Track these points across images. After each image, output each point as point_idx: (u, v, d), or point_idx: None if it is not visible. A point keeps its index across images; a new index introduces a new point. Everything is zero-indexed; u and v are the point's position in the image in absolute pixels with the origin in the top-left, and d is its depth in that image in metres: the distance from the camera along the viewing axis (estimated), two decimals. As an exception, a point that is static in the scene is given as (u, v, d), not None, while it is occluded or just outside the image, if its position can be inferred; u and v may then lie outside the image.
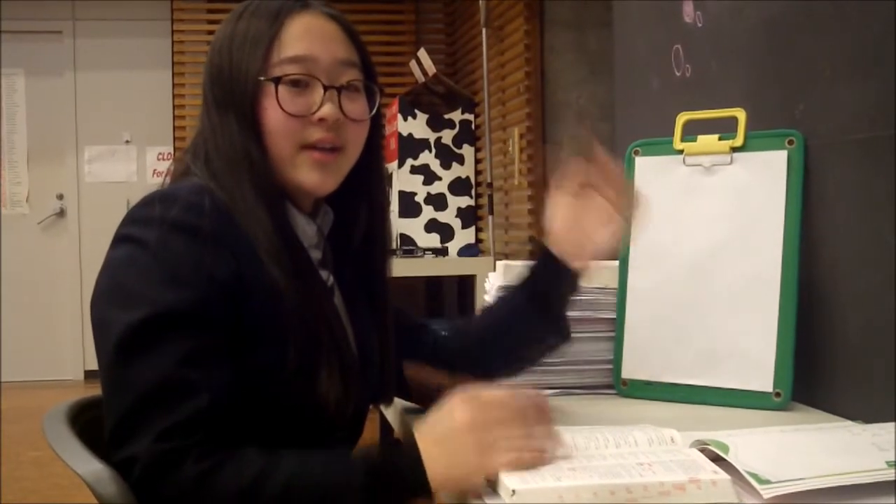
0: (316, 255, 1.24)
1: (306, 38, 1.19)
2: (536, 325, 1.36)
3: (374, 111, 1.26)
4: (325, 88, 1.19)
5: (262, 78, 1.16)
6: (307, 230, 1.23)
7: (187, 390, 1.02)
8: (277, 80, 1.16)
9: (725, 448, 0.96)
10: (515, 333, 1.37)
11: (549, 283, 1.35)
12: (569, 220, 1.33)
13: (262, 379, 1.10)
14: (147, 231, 1.09)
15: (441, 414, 1.05)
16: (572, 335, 1.47)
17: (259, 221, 1.13)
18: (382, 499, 1.00)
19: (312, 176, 1.19)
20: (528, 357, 1.42)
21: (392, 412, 1.47)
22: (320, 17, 1.21)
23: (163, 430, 1.00)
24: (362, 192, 1.28)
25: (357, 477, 1.00)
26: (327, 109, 1.18)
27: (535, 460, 0.98)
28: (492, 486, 0.97)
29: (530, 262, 1.38)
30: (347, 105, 1.20)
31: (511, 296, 1.38)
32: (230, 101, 1.18)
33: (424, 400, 1.39)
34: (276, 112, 1.16)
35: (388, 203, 1.36)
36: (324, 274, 1.24)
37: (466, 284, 5.30)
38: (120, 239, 1.12)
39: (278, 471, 1.00)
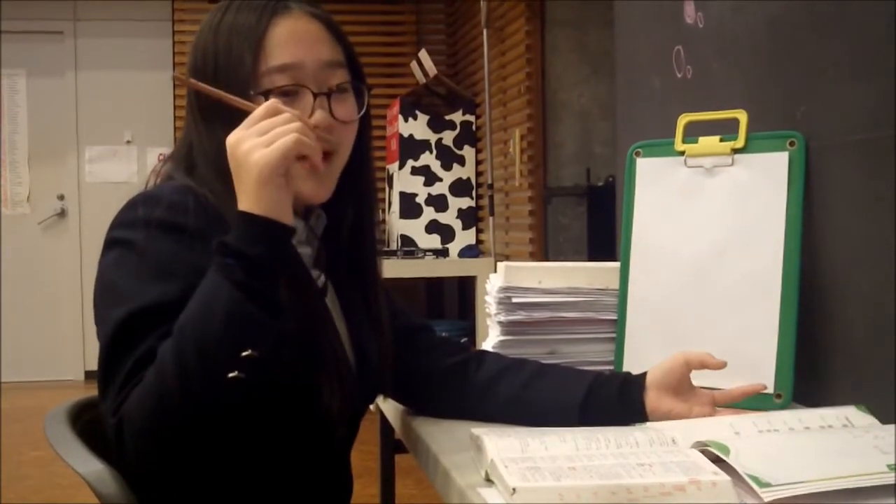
0: (305, 251, 1.24)
1: (291, 43, 1.18)
2: (563, 421, 1.21)
3: (364, 110, 1.25)
4: (315, 95, 1.18)
5: (251, 92, 1.16)
6: (301, 226, 1.23)
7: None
8: (267, 94, 1.15)
9: (726, 450, 0.96)
10: (534, 415, 1.26)
11: (613, 411, 1.23)
12: (675, 383, 1.24)
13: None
14: (133, 232, 1.11)
15: (232, 160, 1.07)
16: (574, 337, 1.48)
17: None
18: (244, 262, 1.02)
19: (308, 185, 1.19)
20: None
21: (392, 412, 1.47)
22: (303, 17, 1.20)
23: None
24: (352, 191, 1.28)
25: (213, 273, 1.02)
26: (318, 116, 1.18)
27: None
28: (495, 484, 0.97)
29: (605, 379, 1.28)
30: (337, 108, 1.20)
31: (560, 388, 1.28)
32: (217, 111, 1.17)
33: (418, 404, 1.39)
34: None
35: (377, 200, 1.36)
36: (315, 273, 1.25)
37: (467, 285, 5.31)
38: (108, 244, 1.14)
39: (164, 348, 1.02)
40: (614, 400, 1.24)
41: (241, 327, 1.01)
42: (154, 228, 1.10)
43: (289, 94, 1.17)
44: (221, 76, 1.17)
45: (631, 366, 1.48)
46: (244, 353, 1.00)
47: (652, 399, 1.23)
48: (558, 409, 1.25)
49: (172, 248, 1.09)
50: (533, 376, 1.31)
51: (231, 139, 1.07)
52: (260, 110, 1.08)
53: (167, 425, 1.02)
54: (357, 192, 1.29)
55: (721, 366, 1.21)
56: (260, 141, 1.05)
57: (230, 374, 0.99)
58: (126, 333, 1.06)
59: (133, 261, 1.10)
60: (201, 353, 1.00)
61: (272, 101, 1.09)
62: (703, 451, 0.99)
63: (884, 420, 1.16)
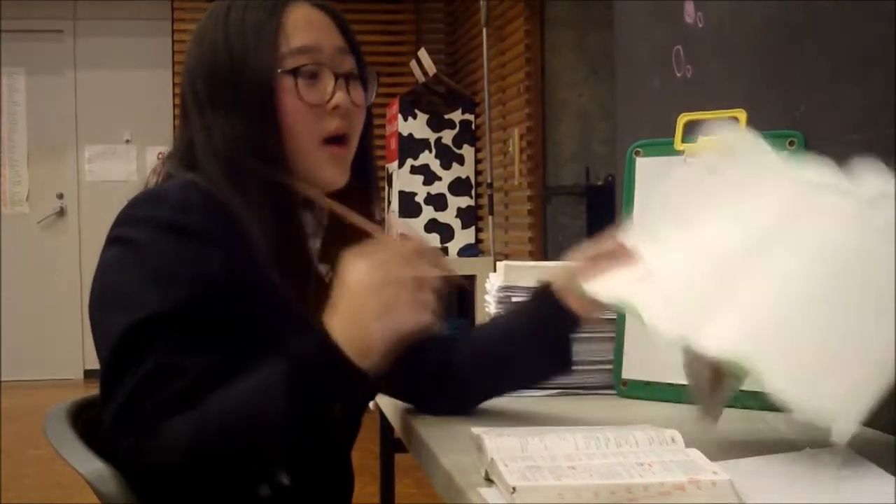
0: (314, 244, 1.24)
1: (308, 27, 1.19)
2: (538, 356, 1.31)
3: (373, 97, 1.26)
4: (336, 76, 1.19)
5: (279, 70, 1.16)
6: (307, 219, 1.23)
7: (172, 376, 1.04)
8: (296, 72, 1.16)
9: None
10: (514, 363, 1.32)
11: (552, 320, 1.28)
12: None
13: None
14: (136, 231, 1.10)
15: (341, 289, 1.05)
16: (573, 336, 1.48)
17: (259, 222, 1.12)
18: (310, 389, 1.01)
19: (330, 171, 1.19)
20: (523, 384, 1.41)
21: (392, 411, 1.47)
22: (313, 8, 1.21)
23: (143, 420, 1.02)
24: (359, 181, 1.28)
25: (280, 378, 1.01)
26: (340, 97, 1.19)
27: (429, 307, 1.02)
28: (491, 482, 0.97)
29: (534, 295, 1.32)
30: (352, 92, 1.21)
31: (512, 324, 1.34)
32: (233, 98, 1.16)
33: (418, 401, 1.40)
34: (294, 104, 1.16)
35: (379, 192, 1.36)
36: (324, 269, 1.24)
37: (467, 284, 5.31)
38: (110, 241, 1.13)
39: (211, 413, 1.02)
40: (543, 321, 1.28)
41: (285, 448, 1.03)
42: (157, 228, 1.09)
43: (312, 76, 1.17)
44: (237, 64, 1.16)
45: (630, 365, 1.49)
46: (278, 470, 1.03)
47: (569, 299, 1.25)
48: (515, 353, 1.30)
49: (176, 250, 1.07)
50: (486, 338, 1.36)
51: (357, 271, 1.04)
52: (398, 250, 1.05)
53: (200, 475, 1.03)
54: (364, 182, 1.29)
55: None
56: (391, 305, 1.02)
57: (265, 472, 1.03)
58: (129, 344, 1.04)
59: (135, 263, 1.08)
60: (241, 448, 1.02)
61: (413, 242, 1.07)
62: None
63: (883, 422, 1.16)
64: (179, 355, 1.04)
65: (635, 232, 1.19)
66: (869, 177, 1.05)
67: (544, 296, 1.28)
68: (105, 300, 1.10)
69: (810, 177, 1.08)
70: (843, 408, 0.94)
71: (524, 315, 1.32)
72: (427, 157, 5.41)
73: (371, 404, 1.40)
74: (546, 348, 1.29)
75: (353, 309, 1.03)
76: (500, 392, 1.36)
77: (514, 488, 0.90)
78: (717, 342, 1.00)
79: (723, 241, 1.08)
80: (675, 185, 1.21)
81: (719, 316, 1.01)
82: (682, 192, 1.17)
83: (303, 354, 1.03)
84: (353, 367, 1.02)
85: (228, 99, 1.17)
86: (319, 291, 1.20)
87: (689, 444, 1.04)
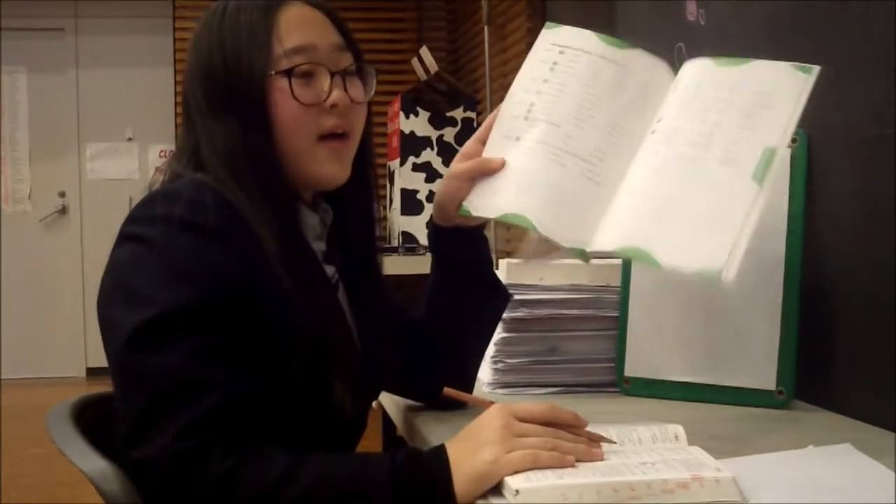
0: (319, 247, 1.24)
1: (302, 27, 1.19)
2: (470, 296, 1.36)
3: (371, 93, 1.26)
4: (332, 74, 1.19)
5: (272, 72, 1.15)
6: (311, 222, 1.23)
7: (202, 387, 1.01)
8: (289, 73, 1.16)
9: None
10: (457, 314, 1.37)
11: (455, 252, 1.37)
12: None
13: (273, 381, 1.09)
14: (151, 229, 1.08)
15: (474, 421, 1.04)
16: (576, 334, 1.47)
17: (265, 223, 1.12)
18: (408, 497, 0.98)
19: (331, 167, 1.19)
20: (481, 331, 1.41)
21: (395, 410, 1.47)
22: (305, 6, 1.21)
23: (181, 429, 0.99)
24: (359, 180, 1.28)
25: (383, 476, 0.99)
26: (337, 95, 1.18)
27: (552, 461, 0.96)
28: (497, 487, 0.97)
29: (430, 243, 1.41)
30: (351, 89, 1.21)
31: (434, 281, 1.40)
32: (229, 101, 1.16)
33: (421, 396, 1.40)
34: (289, 104, 1.15)
35: (378, 191, 1.36)
36: (329, 270, 1.24)
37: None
38: (123, 238, 1.11)
39: (303, 471, 0.99)
40: (450, 264, 1.38)
41: None
42: (173, 226, 1.07)
43: (308, 75, 1.17)
44: (232, 68, 1.16)
45: (633, 363, 1.49)
46: None
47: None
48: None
49: (191, 249, 1.06)
50: (427, 308, 1.40)
51: (495, 420, 1.02)
52: (550, 412, 1.04)
53: None
54: (364, 180, 1.29)
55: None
56: (535, 444, 0.99)
57: None
58: (146, 338, 1.03)
59: (151, 260, 1.07)
60: None
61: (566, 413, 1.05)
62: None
63: (885, 417, 1.16)
64: (202, 363, 1.02)
65: (495, 132, 1.26)
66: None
67: (438, 239, 1.37)
68: (119, 296, 1.08)
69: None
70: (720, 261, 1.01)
71: (434, 268, 1.40)
72: (429, 155, 5.41)
73: (374, 403, 1.40)
74: (472, 286, 1.36)
75: (475, 437, 1.01)
76: (464, 350, 1.38)
77: (517, 491, 0.91)
78: (610, 245, 1.10)
79: (581, 135, 1.20)
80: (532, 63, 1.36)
81: (603, 218, 1.12)
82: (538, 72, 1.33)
83: (410, 461, 1.01)
84: (449, 488, 0.99)
85: (226, 103, 1.16)
86: (325, 292, 1.20)
87: (692, 442, 1.05)
